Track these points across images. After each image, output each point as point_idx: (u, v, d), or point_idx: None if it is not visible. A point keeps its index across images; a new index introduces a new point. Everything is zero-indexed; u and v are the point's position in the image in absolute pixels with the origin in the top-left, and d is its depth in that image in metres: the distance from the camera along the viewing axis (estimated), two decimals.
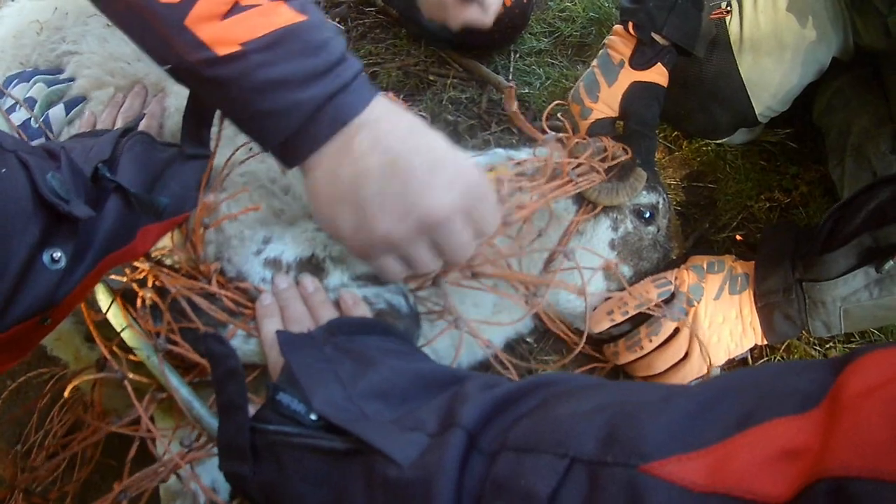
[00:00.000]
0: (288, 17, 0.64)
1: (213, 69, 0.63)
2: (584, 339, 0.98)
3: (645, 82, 1.14)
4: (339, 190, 0.69)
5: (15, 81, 1.03)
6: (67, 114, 1.00)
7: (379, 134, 0.68)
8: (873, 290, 0.94)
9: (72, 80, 1.04)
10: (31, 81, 1.02)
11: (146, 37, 0.66)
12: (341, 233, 0.72)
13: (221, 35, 0.62)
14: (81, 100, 1.02)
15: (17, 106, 0.99)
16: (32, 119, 0.98)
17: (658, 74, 1.14)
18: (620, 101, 1.15)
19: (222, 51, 0.62)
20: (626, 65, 1.13)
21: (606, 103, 1.15)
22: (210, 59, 0.62)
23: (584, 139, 1.10)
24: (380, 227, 0.69)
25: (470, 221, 0.72)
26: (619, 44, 1.15)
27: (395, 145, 0.68)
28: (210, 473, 0.85)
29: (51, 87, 1.02)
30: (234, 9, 0.62)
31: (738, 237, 1.27)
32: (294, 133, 0.67)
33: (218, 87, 0.65)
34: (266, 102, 0.64)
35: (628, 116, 1.15)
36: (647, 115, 1.15)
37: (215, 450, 0.74)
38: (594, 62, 1.18)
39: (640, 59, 1.13)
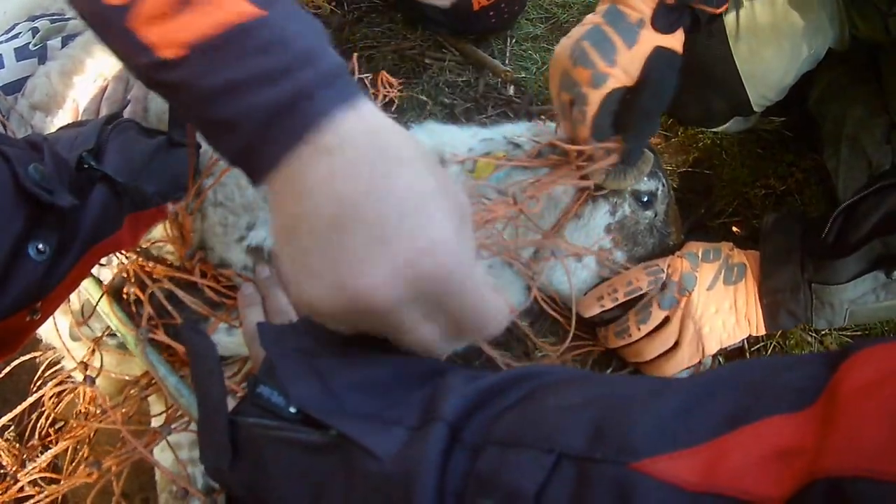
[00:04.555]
0: (241, 12, 0.53)
1: (160, 74, 0.55)
2: (573, 322, 0.97)
3: (668, 49, 0.95)
4: (277, 224, 0.54)
5: (21, 23, 1.11)
6: (63, 46, 1.06)
7: (337, 168, 0.51)
8: (880, 293, 0.94)
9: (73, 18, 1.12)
10: (36, 20, 1.10)
11: (102, 39, 0.60)
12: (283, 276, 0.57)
13: (166, 37, 0.53)
14: (77, 35, 1.08)
15: (20, 34, 1.06)
16: (31, 44, 1.05)
17: (678, 41, 0.96)
18: (642, 69, 0.94)
19: (167, 54, 0.54)
20: (647, 24, 0.92)
21: (625, 69, 0.93)
22: (156, 63, 0.54)
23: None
24: (306, 292, 0.53)
25: (438, 316, 0.54)
26: None
27: (346, 191, 0.50)
28: None
29: (54, 24, 1.09)
30: (181, 6, 0.53)
31: (735, 230, 1.26)
32: (247, 147, 0.54)
33: (169, 92, 0.57)
34: (216, 110, 0.54)
35: (644, 88, 0.94)
36: (666, 89, 0.96)
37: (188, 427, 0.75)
38: (595, 17, 0.95)
39: (663, 20, 0.92)
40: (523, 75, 1.54)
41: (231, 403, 0.59)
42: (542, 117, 1.09)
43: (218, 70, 0.52)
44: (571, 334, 0.97)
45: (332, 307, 0.52)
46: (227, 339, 0.78)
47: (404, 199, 0.50)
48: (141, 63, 0.55)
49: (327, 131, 0.52)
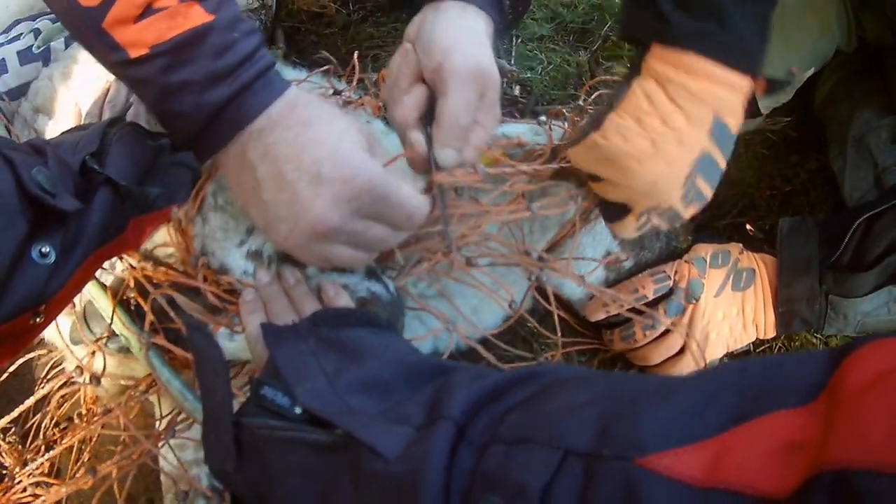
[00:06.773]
0: (196, 18, 0.65)
1: (128, 70, 0.66)
2: (555, 313, 0.96)
3: None
4: (245, 196, 0.73)
5: (21, 21, 1.11)
6: (66, 48, 1.06)
7: (269, 141, 0.68)
8: (892, 307, 0.96)
9: None
10: (37, 20, 1.10)
11: (78, 37, 0.69)
12: (259, 228, 0.76)
13: (134, 38, 0.64)
14: None
15: (22, 35, 1.06)
16: (34, 46, 1.06)
17: None
18: None
19: (134, 53, 0.64)
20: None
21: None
22: (125, 60, 0.65)
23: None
24: (279, 233, 0.72)
25: (377, 221, 0.72)
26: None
27: (282, 154, 0.68)
28: None
29: (55, 24, 1.09)
30: (147, 11, 0.63)
31: (748, 228, 1.25)
32: (198, 134, 0.69)
33: (137, 86, 0.69)
34: (174, 104, 0.67)
35: None
36: None
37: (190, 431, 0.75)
38: (700, 136, 0.75)
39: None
40: (529, 75, 1.54)
41: (234, 406, 0.59)
42: (544, 118, 1.07)
43: (176, 70, 0.65)
44: (558, 325, 0.95)
45: (300, 238, 0.70)
46: (230, 345, 0.77)
47: (323, 145, 0.68)
48: (111, 60, 0.66)
49: (260, 119, 0.68)
